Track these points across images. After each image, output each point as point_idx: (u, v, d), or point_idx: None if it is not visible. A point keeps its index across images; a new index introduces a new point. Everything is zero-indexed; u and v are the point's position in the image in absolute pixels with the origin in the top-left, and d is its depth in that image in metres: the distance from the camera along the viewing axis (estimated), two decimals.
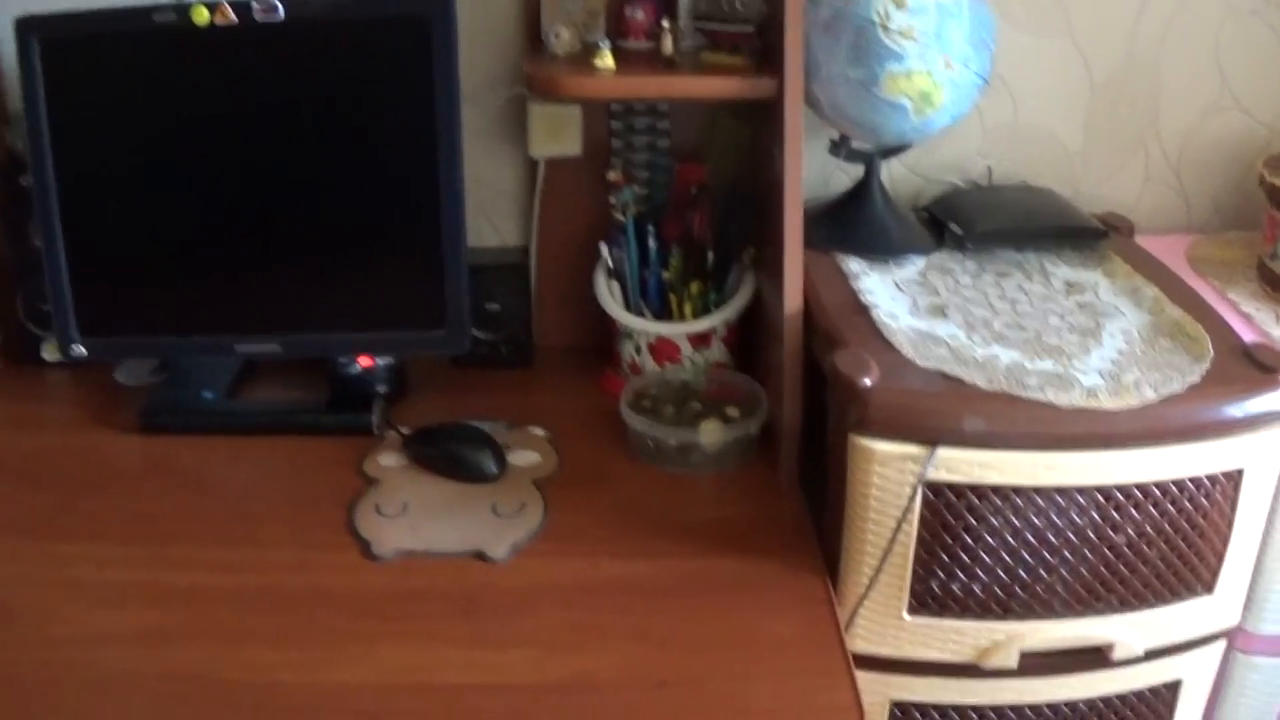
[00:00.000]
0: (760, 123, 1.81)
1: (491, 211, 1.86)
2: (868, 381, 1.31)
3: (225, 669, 1.35)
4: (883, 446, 1.33)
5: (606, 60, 1.69)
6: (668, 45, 1.73)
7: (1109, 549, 1.44)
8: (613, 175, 1.95)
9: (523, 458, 1.66)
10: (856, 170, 1.78)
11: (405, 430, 1.73)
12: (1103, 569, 1.45)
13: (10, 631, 1.43)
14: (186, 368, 1.96)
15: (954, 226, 1.70)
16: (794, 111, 1.63)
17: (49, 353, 2.06)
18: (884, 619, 1.49)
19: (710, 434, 1.70)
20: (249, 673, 1.35)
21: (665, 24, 1.73)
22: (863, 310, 1.50)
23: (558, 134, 1.93)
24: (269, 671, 1.35)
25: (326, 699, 1.31)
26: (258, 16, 1.71)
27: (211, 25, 1.71)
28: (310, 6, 1.72)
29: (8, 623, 1.45)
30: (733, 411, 1.65)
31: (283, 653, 1.39)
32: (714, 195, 1.95)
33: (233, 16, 1.71)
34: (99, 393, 2.02)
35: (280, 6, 1.70)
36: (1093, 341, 1.44)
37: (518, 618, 1.44)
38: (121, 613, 1.47)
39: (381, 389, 1.89)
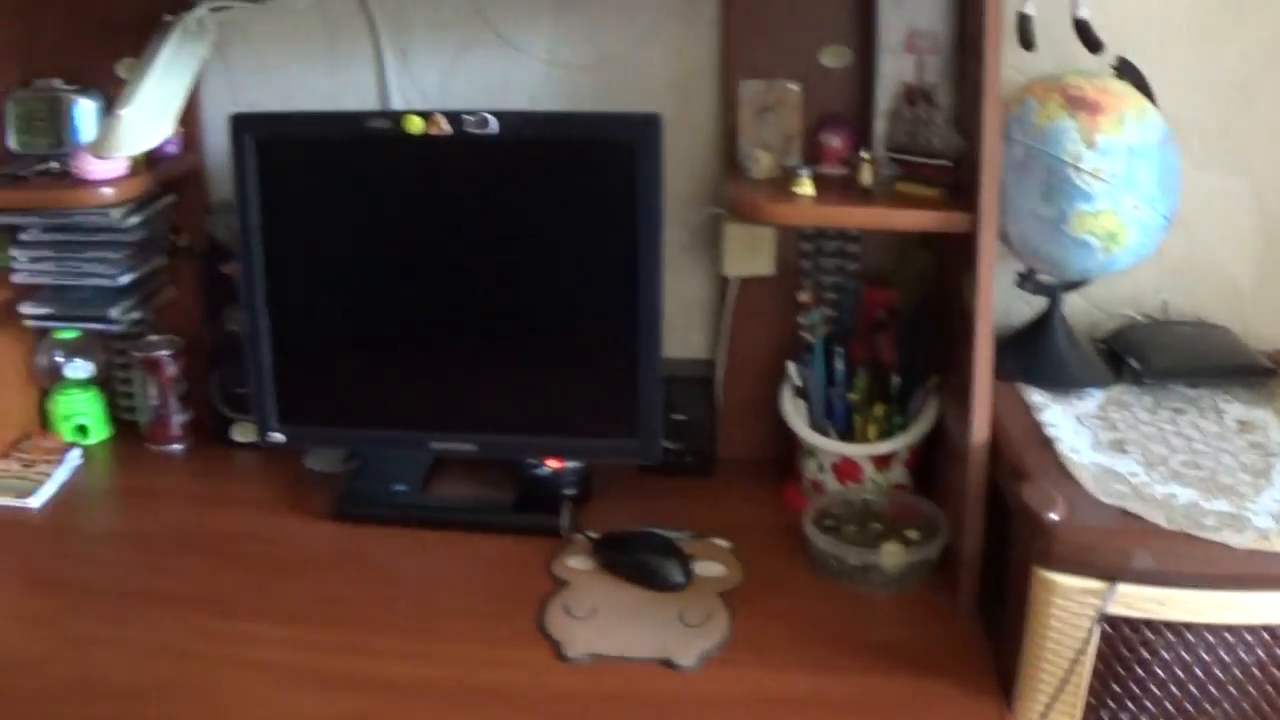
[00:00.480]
0: (948, 252, 2.15)
1: (680, 324, 2.17)
2: (1055, 516, 1.54)
3: None
4: (1065, 580, 1.53)
5: (806, 188, 2.07)
6: (866, 176, 2.09)
7: (1274, 687, 1.77)
8: (804, 296, 2.33)
9: (708, 568, 1.93)
10: (1036, 300, 2.03)
11: (594, 535, 2.04)
12: (1263, 705, 1.76)
13: (204, 709, 1.74)
14: (378, 459, 2.37)
15: (1132, 361, 1.97)
16: (988, 246, 1.95)
17: (240, 434, 2.49)
18: None
19: (892, 556, 1.97)
20: None
21: (865, 155, 2.10)
22: (1046, 443, 1.74)
23: (752, 254, 2.33)
24: None
25: None
26: (470, 129, 2.13)
27: (425, 135, 2.14)
28: (523, 122, 2.13)
29: (201, 700, 1.76)
30: (913, 534, 1.89)
31: None
32: (900, 320, 2.31)
33: (446, 127, 2.12)
34: (288, 477, 2.41)
35: (493, 120, 2.13)
36: (1264, 482, 1.69)
37: None
38: (315, 697, 1.63)
39: (569, 491, 2.27)
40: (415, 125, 2.09)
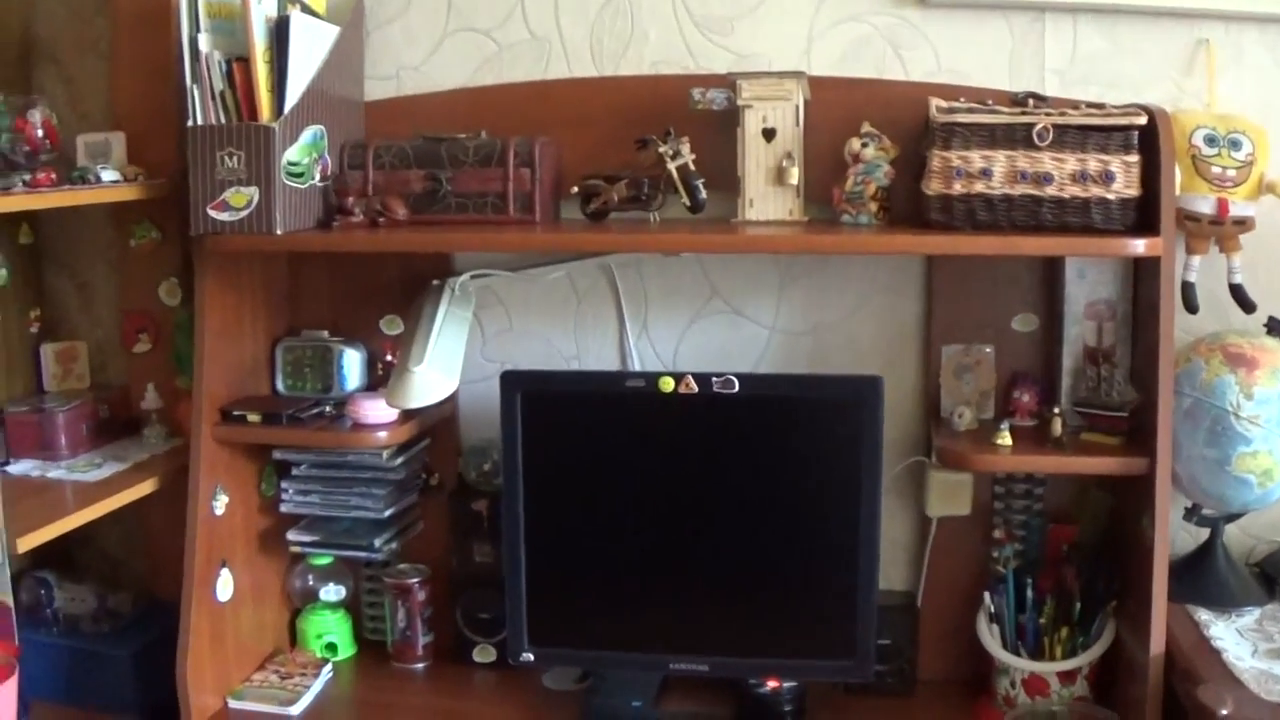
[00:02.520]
0: (1124, 492, 2.76)
1: (884, 559, 2.60)
2: (1225, 712, 2.03)
3: None
4: None
5: (1006, 439, 2.77)
6: (1057, 428, 2.80)
7: None
8: (997, 533, 3.05)
9: None
10: (1197, 531, 2.60)
11: None
12: None
13: None
14: (614, 678, 3.03)
15: None
16: (1163, 487, 2.55)
17: (480, 656, 3.21)
18: None
19: None
20: None
21: (1056, 410, 2.85)
22: (1214, 653, 2.27)
23: (952, 497, 2.91)
24: None
25: None
26: (716, 388, 2.89)
27: (675, 393, 2.90)
28: (761, 383, 2.85)
29: None
30: None
31: None
32: (1082, 553, 2.97)
33: (694, 386, 2.88)
34: (525, 695, 3.01)
35: (736, 381, 2.90)
36: None
37: None
38: None
39: (788, 708, 2.98)
40: (668, 385, 2.77)
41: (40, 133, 2.67)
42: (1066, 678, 2.77)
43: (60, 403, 3.07)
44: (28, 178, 2.54)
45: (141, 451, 3.05)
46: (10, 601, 2.36)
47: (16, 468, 2.91)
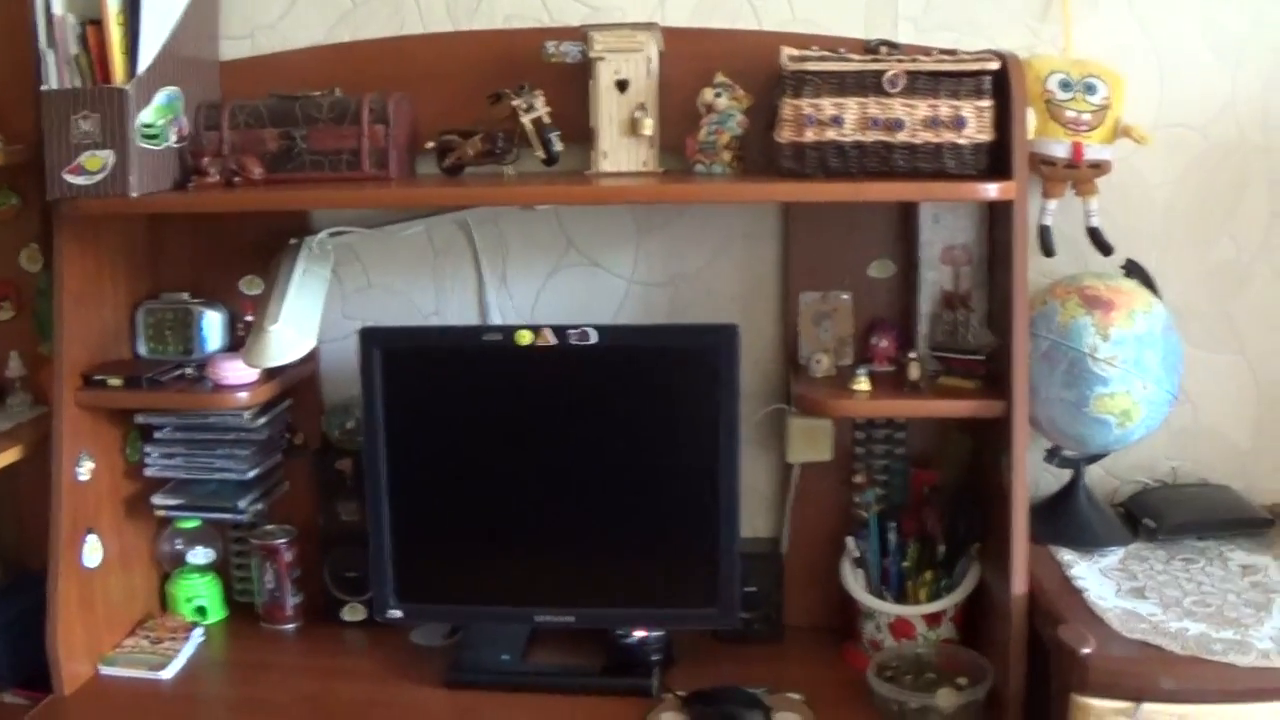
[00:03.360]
0: (985, 434, 2.82)
1: (746, 507, 2.65)
2: (1086, 650, 2.11)
3: None
4: (1098, 703, 2.10)
5: (863, 385, 2.80)
6: (914, 372, 2.84)
7: None
8: (858, 478, 3.10)
9: (785, 718, 2.48)
10: (1061, 472, 2.70)
11: (682, 693, 2.82)
12: None
13: None
14: (481, 632, 3.07)
15: (1148, 521, 2.61)
16: (1021, 428, 2.61)
17: (349, 614, 3.22)
18: None
19: (946, 698, 2.35)
20: None
21: (913, 354, 2.89)
22: (1076, 593, 2.34)
23: (812, 443, 2.97)
24: None
25: None
26: (573, 341, 2.89)
27: (532, 345, 2.92)
28: (618, 334, 2.87)
29: None
30: (962, 680, 2.41)
31: None
32: (944, 496, 3.05)
33: (551, 339, 2.89)
34: (395, 652, 3.05)
35: (593, 332, 2.91)
36: (1265, 614, 2.24)
37: None
38: None
39: (655, 658, 2.98)
40: (525, 338, 2.80)
41: None
42: (932, 620, 2.84)
43: None
44: None
45: (5, 420, 3.04)
46: None
47: None
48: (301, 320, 2.81)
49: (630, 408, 2.69)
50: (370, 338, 2.69)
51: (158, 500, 3.06)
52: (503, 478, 2.73)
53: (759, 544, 2.86)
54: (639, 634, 2.74)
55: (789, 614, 2.86)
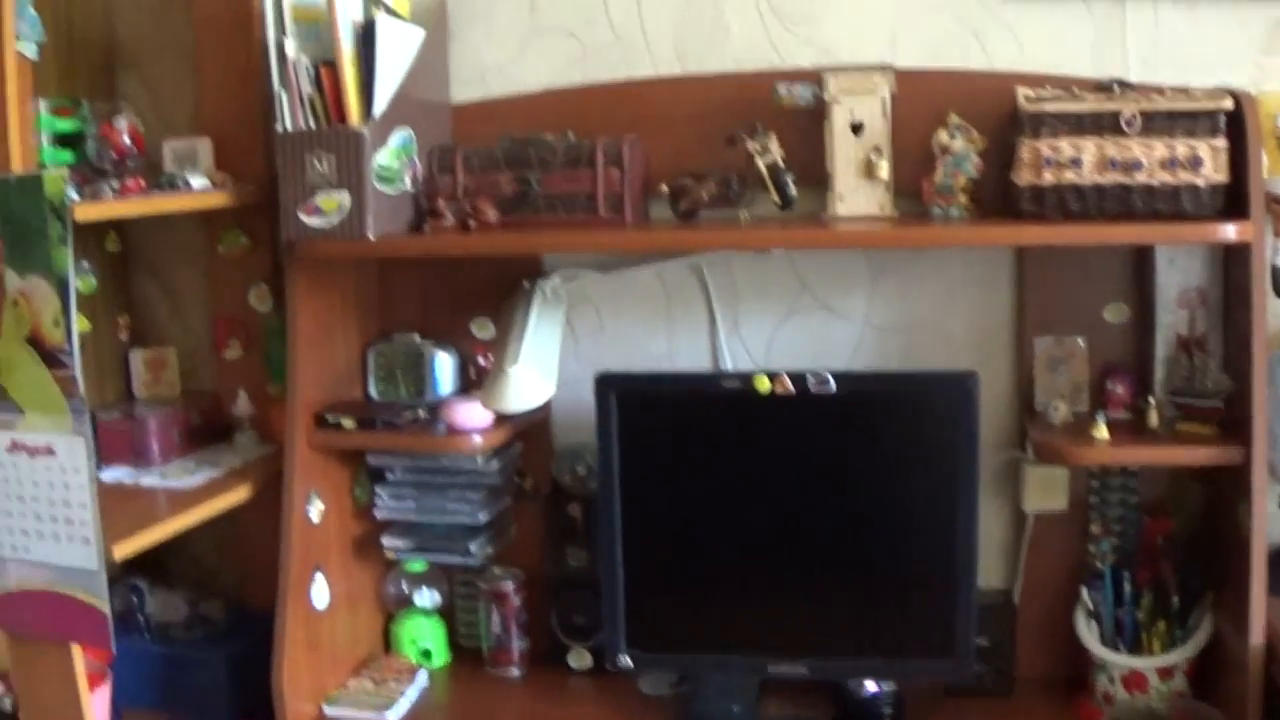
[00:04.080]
0: (1220, 482, 2.76)
1: (979, 556, 2.63)
2: None
3: None
4: None
5: (1102, 432, 2.80)
6: (1153, 419, 2.81)
7: None
8: (1094, 528, 3.08)
9: None
10: None
11: None
12: None
13: None
14: (710, 683, 3.02)
15: None
16: (1260, 474, 2.52)
17: (575, 661, 3.20)
18: None
19: None
20: None
21: (1152, 400, 2.85)
22: None
23: (1049, 492, 2.86)
24: None
25: None
26: (812, 388, 2.91)
27: (771, 393, 2.92)
28: (857, 381, 2.86)
29: None
30: None
31: None
32: (1178, 545, 2.94)
33: (790, 387, 2.90)
34: (622, 700, 3.05)
35: (832, 380, 2.92)
36: None
37: None
38: None
39: (887, 711, 2.95)
40: (763, 385, 2.81)
41: (126, 139, 2.74)
42: (1165, 673, 2.79)
43: (152, 409, 3.11)
44: (115, 185, 2.57)
45: (234, 458, 3.11)
46: (107, 610, 2.44)
47: (109, 474, 2.96)
48: (541, 362, 2.86)
49: (867, 455, 2.67)
50: (607, 383, 2.70)
51: (388, 542, 3.10)
52: (736, 525, 2.71)
53: (991, 595, 2.80)
54: (871, 687, 2.71)
55: (1021, 666, 2.79)
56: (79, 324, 2.45)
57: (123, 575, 3.16)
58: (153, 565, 3.25)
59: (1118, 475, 2.95)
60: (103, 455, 2.97)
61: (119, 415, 3.07)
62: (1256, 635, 2.36)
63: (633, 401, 2.71)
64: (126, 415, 3.07)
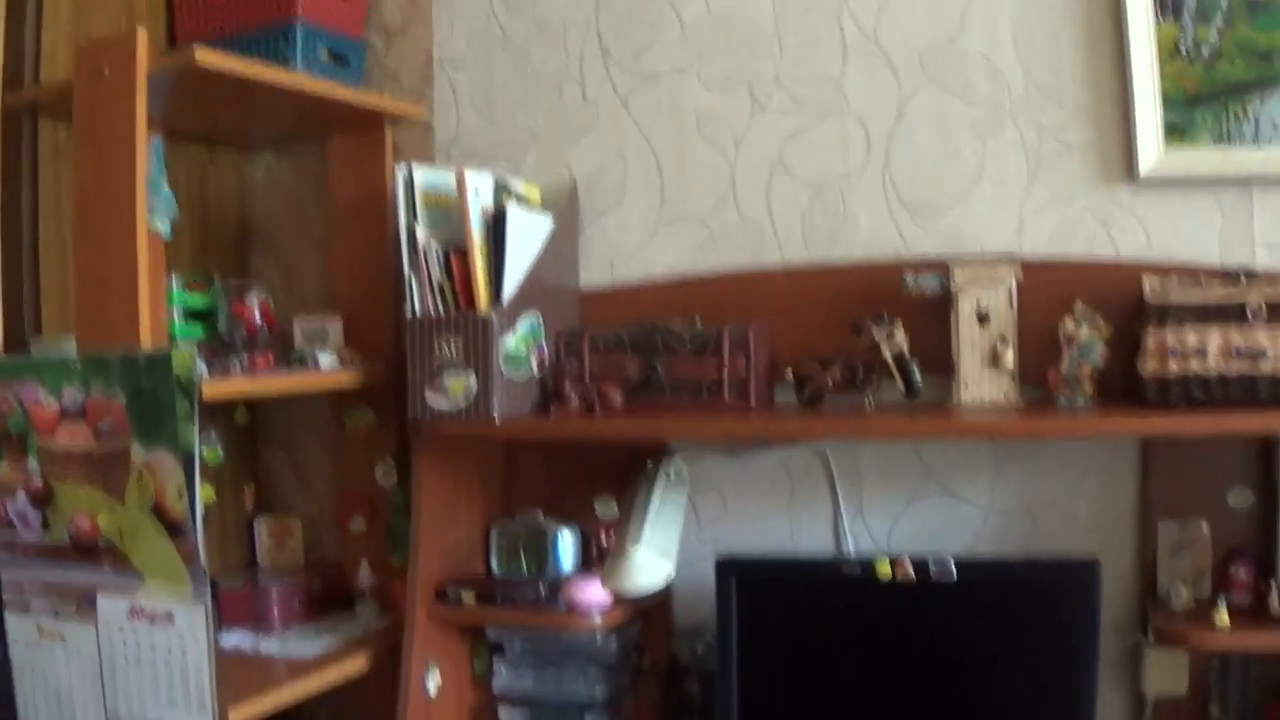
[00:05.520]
0: None
1: None
2: None
3: None
4: None
5: (1224, 617, 2.77)
6: (1275, 604, 2.85)
7: None
8: (1214, 710, 3.05)
9: None
10: None
11: None
12: None
13: None
14: None
15: None
16: None
17: None
18: None
19: None
20: None
21: (1274, 584, 2.86)
22: None
23: (1170, 677, 2.81)
24: None
25: None
26: (933, 574, 2.96)
27: (892, 580, 2.98)
28: (979, 568, 2.93)
29: None
30: None
31: None
32: None
33: (911, 573, 2.95)
34: None
35: (954, 565, 2.97)
36: None
37: None
38: None
39: None
40: (885, 570, 2.87)
41: (258, 316, 2.84)
42: None
43: (274, 577, 3.21)
44: (245, 361, 2.66)
45: (354, 628, 3.17)
46: None
47: (229, 639, 3.04)
48: (662, 544, 2.89)
49: (988, 642, 2.68)
50: (728, 566, 2.75)
51: (505, 715, 3.16)
52: (855, 710, 2.75)
53: None
54: None
55: None
56: (204, 494, 2.52)
57: None
58: None
59: (1239, 658, 2.90)
60: (224, 620, 3.06)
61: (242, 582, 3.14)
62: None
63: (752, 584, 2.78)
64: (249, 582, 3.16)
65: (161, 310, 2.72)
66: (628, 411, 2.73)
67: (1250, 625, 2.71)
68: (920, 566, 2.67)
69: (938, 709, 2.73)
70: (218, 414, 3.27)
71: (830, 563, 2.86)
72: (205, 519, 2.50)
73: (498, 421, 2.66)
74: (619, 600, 2.76)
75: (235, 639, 3.01)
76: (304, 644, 3.01)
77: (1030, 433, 2.69)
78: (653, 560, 2.88)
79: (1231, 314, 2.59)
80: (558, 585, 2.82)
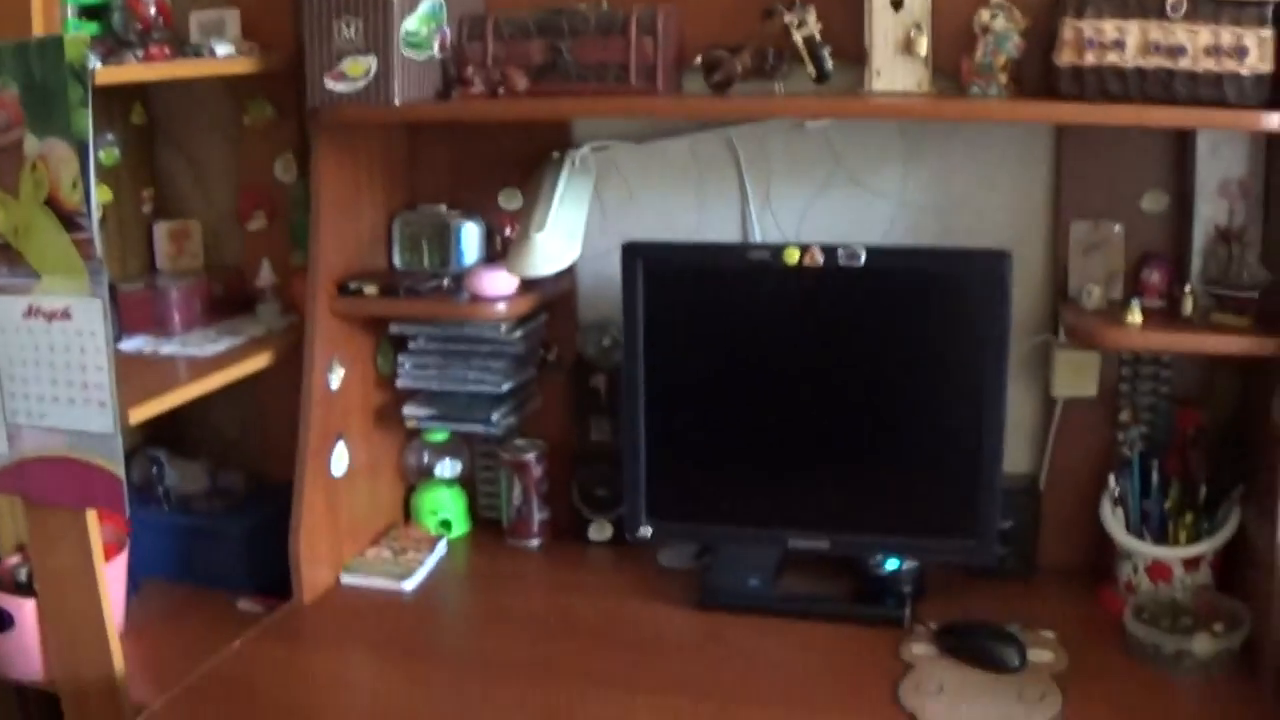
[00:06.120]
0: (1254, 375, 2.77)
1: (1005, 441, 2.58)
2: None
3: None
4: None
5: (1136, 317, 2.76)
6: (1188, 307, 2.77)
7: None
8: (1123, 416, 3.05)
9: (1038, 655, 2.42)
10: None
11: (933, 625, 2.68)
12: None
13: None
14: (730, 555, 3.07)
15: None
16: None
17: (596, 533, 3.22)
18: None
19: (1203, 644, 2.31)
20: None
21: (1188, 288, 2.84)
22: None
23: (1079, 377, 2.78)
24: None
25: None
26: (841, 261, 2.87)
27: (800, 265, 2.90)
28: (888, 256, 2.84)
29: None
30: (1218, 627, 2.36)
31: None
32: (1209, 437, 2.93)
33: (819, 259, 2.87)
34: (642, 572, 3.09)
35: (863, 253, 2.90)
36: None
37: None
38: None
39: (906, 589, 2.95)
40: (792, 256, 2.79)
41: (152, 10, 2.72)
42: (1191, 565, 2.80)
43: (174, 280, 3.16)
44: (139, 54, 2.56)
45: (256, 327, 3.14)
46: (121, 474, 2.44)
47: (129, 344, 2.99)
48: (567, 229, 2.86)
49: (895, 332, 2.64)
50: (633, 252, 2.67)
51: (409, 411, 3.11)
52: (761, 398, 2.72)
53: (1016, 479, 2.78)
54: (891, 564, 2.66)
55: (1044, 553, 2.80)
56: (100, 193, 2.47)
57: (143, 447, 3.24)
58: (173, 437, 3.34)
59: (1150, 364, 2.95)
60: (124, 326, 3.01)
61: (141, 286, 3.08)
62: None
63: (659, 271, 2.69)
64: (149, 287, 3.09)
65: (55, 8, 2.59)
66: (531, 95, 2.64)
67: (1161, 327, 2.71)
68: (829, 253, 2.59)
69: (846, 397, 2.74)
70: (115, 115, 3.20)
71: (738, 248, 2.81)
72: (103, 224, 2.45)
73: (398, 103, 2.57)
74: (523, 289, 2.73)
75: (135, 344, 2.96)
76: (205, 345, 2.96)
77: (940, 115, 2.67)
78: (556, 244, 2.84)
79: (1151, 8, 2.52)
80: (461, 277, 2.75)
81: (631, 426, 2.72)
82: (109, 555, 2.55)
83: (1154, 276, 2.86)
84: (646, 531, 2.78)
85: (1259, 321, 2.63)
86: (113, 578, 2.62)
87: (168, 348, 2.97)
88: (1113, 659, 2.48)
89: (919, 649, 2.58)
